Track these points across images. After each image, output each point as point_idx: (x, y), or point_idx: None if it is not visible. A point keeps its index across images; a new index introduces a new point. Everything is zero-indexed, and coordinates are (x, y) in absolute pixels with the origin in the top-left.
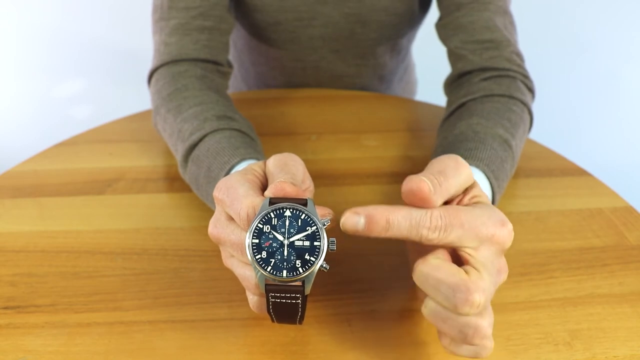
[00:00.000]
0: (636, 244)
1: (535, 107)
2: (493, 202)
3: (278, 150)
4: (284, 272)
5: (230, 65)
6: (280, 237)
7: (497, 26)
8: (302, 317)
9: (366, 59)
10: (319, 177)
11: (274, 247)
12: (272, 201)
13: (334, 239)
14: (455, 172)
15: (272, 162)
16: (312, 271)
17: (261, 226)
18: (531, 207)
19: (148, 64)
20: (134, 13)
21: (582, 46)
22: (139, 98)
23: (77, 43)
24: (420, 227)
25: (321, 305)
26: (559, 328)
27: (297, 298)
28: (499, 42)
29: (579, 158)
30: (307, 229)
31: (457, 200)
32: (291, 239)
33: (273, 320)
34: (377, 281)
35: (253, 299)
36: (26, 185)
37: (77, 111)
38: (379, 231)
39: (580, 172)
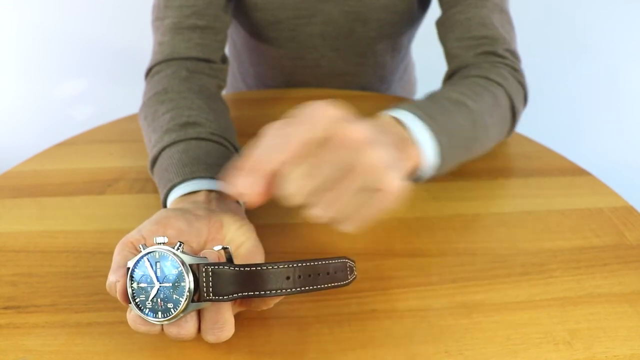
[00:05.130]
0: (636, 243)
1: (536, 107)
2: (433, 133)
3: None
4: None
5: (225, 62)
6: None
7: (493, 23)
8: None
9: (366, 58)
10: None
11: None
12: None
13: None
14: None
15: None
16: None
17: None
18: (531, 207)
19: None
20: (134, 13)
21: (582, 46)
22: (139, 98)
23: (77, 43)
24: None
25: (321, 305)
26: (559, 327)
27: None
28: (495, 39)
29: (579, 158)
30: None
31: None
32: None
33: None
34: (377, 281)
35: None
36: (26, 185)
37: (77, 111)
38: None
39: (580, 172)
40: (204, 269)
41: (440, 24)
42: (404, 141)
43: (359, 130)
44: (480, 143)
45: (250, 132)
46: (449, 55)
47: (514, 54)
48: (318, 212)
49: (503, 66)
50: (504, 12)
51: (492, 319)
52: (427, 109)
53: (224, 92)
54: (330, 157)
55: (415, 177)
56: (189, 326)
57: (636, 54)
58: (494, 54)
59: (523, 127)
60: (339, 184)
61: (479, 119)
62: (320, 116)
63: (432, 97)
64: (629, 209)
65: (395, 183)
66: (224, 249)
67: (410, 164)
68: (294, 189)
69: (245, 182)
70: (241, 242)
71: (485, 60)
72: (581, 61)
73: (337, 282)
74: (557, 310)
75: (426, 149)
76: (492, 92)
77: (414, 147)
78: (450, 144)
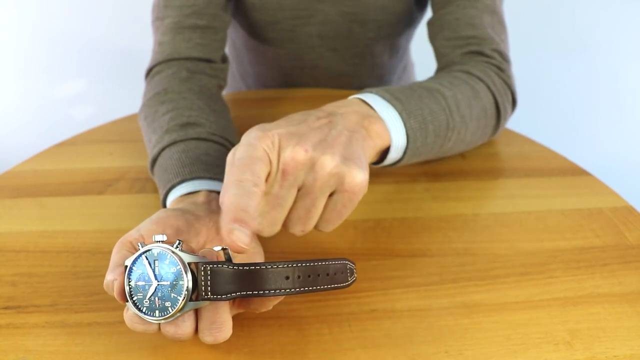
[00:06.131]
0: (636, 243)
1: (536, 107)
2: (402, 119)
3: None
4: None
5: (225, 62)
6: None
7: (482, 24)
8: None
9: (364, 58)
10: None
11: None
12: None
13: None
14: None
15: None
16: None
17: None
18: (531, 207)
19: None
20: (134, 13)
21: (582, 45)
22: (139, 98)
23: (77, 43)
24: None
25: (321, 305)
26: (559, 327)
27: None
28: (482, 39)
29: (579, 158)
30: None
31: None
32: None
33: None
34: (377, 281)
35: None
36: (26, 185)
37: (77, 111)
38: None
39: (580, 172)
40: (202, 268)
41: (430, 24)
42: (369, 118)
43: (299, 151)
44: (458, 132)
45: None
46: (437, 55)
47: (502, 55)
48: (298, 231)
49: (489, 65)
50: (495, 13)
51: (492, 319)
52: (396, 92)
53: (224, 92)
54: (287, 183)
55: (388, 161)
56: (186, 326)
57: (636, 53)
58: (481, 53)
59: (523, 127)
60: (304, 201)
61: (454, 107)
62: (262, 148)
63: (405, 85)
64: (629, 209)
65: (356, 179)
66: (223, 249)
67: (379, 142)
68: (269, 221)
69: (247, 233)
70: None
71: (471, 59)
72: (581, 61)
73: (337, 284)
74: (557, 310)
75: (392, 126)
76: (471, 85)
77: (381, 123)
78: (420, 126)
